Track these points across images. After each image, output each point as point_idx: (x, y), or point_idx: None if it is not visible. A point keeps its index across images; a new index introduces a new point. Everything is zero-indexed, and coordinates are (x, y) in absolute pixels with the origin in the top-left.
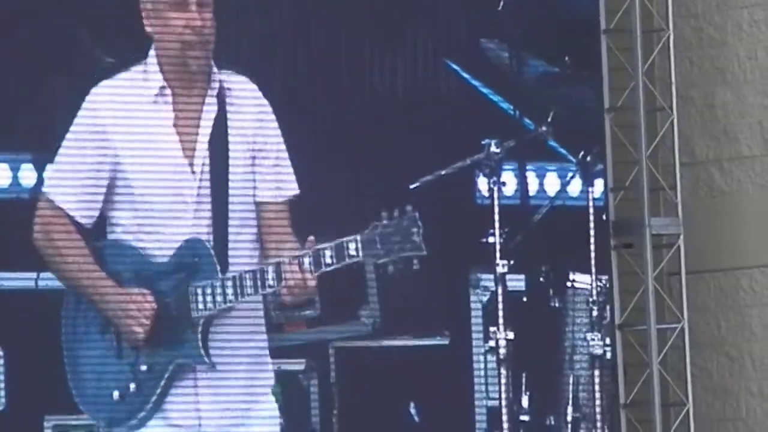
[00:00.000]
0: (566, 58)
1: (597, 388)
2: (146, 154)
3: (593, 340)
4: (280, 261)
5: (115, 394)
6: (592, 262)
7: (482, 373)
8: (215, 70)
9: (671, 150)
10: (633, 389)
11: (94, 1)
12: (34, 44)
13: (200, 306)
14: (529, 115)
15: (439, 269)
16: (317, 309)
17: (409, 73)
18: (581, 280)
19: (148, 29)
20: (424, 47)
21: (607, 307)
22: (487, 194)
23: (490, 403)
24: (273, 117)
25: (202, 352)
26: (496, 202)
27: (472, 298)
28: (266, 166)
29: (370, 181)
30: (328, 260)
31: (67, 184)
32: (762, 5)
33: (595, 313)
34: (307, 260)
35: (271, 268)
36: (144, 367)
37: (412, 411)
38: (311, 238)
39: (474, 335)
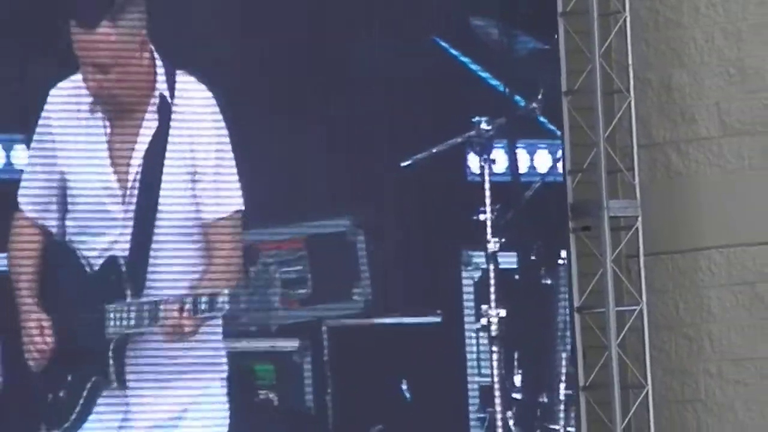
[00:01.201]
0: (555, 36)
1: None
2: (83, 168)
3: None
4: (167, 298)
5: (50, 396)
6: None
7: (474, 351)
8: (158, 78)
9: (629, 132)
10: (592, 372)
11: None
12: (22, 25)
13: (111, 327)
14: (519, 92)
15: (431, 247)
16: (309, 288)
17: (398, 52)
18: None
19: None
20: (413, 25)
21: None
22: (478, 172)
23: (483, 381)
24: (221, 125)
25: (111, 371)
26: (487, 180)
27: (464, 275)
28: (206, 183)
29: (360, 161)
30: (203, 307)
31: (32, 193)
32: None
33: None
34: (187, 305)
35: (162, 303)
36: (69, 377)
37: (405, 389)
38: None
39: (466, 313)
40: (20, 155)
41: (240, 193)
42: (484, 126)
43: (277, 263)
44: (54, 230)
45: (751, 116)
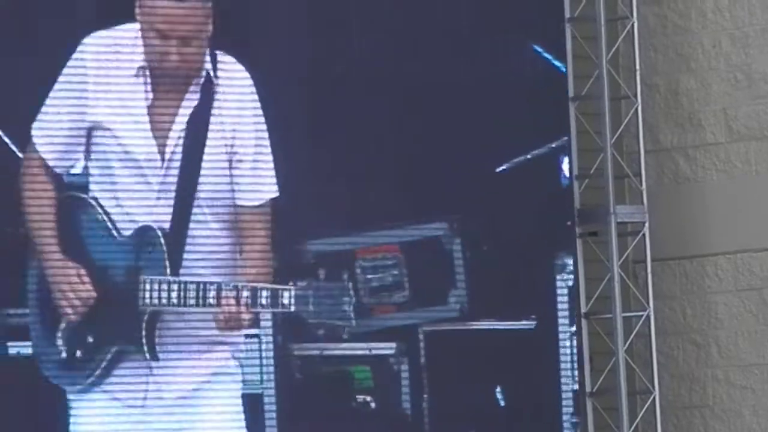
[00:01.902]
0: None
1: None
2: (121, 126)
3: None
4: (222, 284)
5: (63, 354)
6: None
7: (568, 355)
8: (206, 59)
9: (636, 137)
10: (599, 377)
11: None
12: None
13: (146, 300)
14: None
15: (525, 252)
16: (406, 292)
17: (494, 57)
18: None
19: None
20: (511, 32)
21: None
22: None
23: (576, 387)
24: (260, 112)
25: (144, 343)
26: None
27: (558, 282)
28: (244, 170)
29: (455, 167)
30: (263, 302)
31: (50, 132)
32: None
33: None
34: (245, 294)
35: (213, 287)
36: (90, 339)
37: (499, 394)
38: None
39: (560, 318)
40: None
41: (275, 180)
42: None
43: (364, 270)
44: (71, 180)
45: (758, 122)
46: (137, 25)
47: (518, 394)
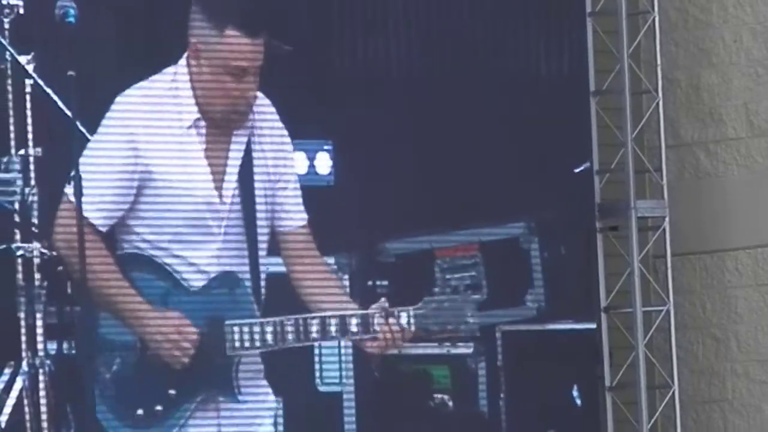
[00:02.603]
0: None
1: None
2: (177, 176)
3: None
4: (367, 313)
5: (140, 411)
6: None
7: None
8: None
9: (657, 132)
10: (619, 372)
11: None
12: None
13: (236, 344)
14: None
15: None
16: (484, 293)
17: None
18: None
19: (193, 39)
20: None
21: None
22: None
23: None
24: (290, 144)
25: (236, 389)
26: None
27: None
28: (285, 197)
29: (534, 167)
30: (376, 327)
31: (91, 191)
32: None
33: None
34: (354, 321)
35: (315, 321)
36: (173, 392)
37: (575, 394)
38: (383, 300)
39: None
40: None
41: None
42: None
43: (443, 270)
44: (124, 239)
45: None
46: (170, 76)
47: (595, 395)
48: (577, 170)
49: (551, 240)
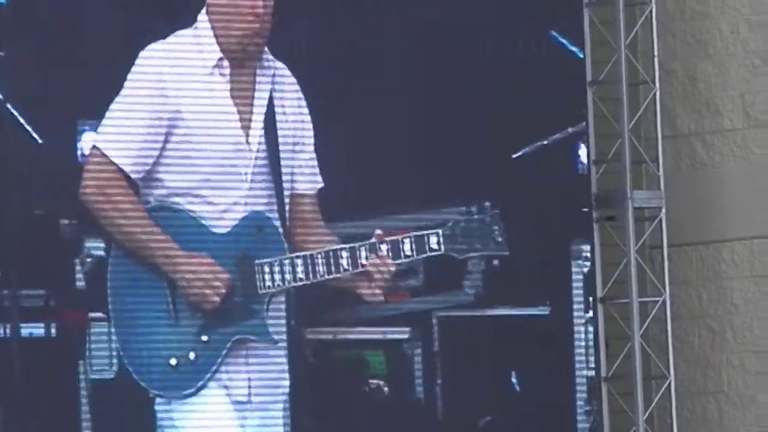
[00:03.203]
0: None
1: None
2: (205, 119)
3: None
4: (354, 246)
5: (172, 360)
6: None
7: (583, 343)
8: (267, 52)
9: (653, 123)
10: (614, 362)
11: None
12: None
13: (267, 283)
14: None
15: (540, 239)
16: (420, 278)
17: (512, 44)
18: None
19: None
20: (529, 18)
21: None
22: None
23: (590, 373)
24: (307, 111)
25: (269, 329)
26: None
27: (573, 268)
28: (303, 159)
29: (473, 153)
30: (408, 251)
31: (120, 138)
32: None
33: None
34: (384, 247)
35: (345, 252)
36: (205, 338)
37: (514, 380)
38: (378, 231)
39: (575, 305)
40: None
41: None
42: None
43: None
44: (152, 192)
45: None
46: (192, 30)
47: (533, 381)
48: (515, 156)
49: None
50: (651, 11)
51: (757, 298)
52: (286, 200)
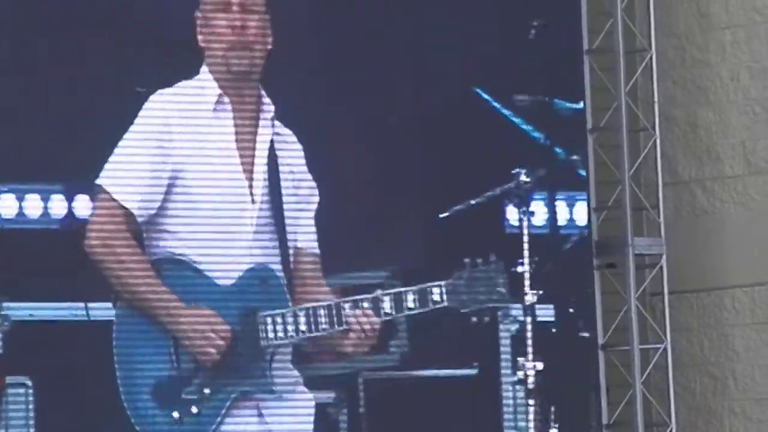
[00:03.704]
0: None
1: None
2: (208, 168)
3: None
4: (357, 299)
5: (175, 414)
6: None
7: (511, 404)
8: (264, 94)
9: (654, 170)
10: (616, 409)
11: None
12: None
13: (270, 335)
14: (559, 145)
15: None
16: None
17: (439, 102)
18: None
19: (201, 43)
20: (455, 76)
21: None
22: (516, 224)
23: None
24: (307, 172)
25: (272, 382)
26: (525, 232)
27: (501, 328)
28: (305, 217)
29: (401, 212)
30: (411, 304)
31: (126, 176)
32: (744, 26)
33: None
34: (387, 303)
35: (347, 305)
36: (207, 391)
37: None
38: (378, 292)
39: (503, 366)
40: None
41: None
42: (523, 178)
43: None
44: (155, 243)
45: None
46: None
47: None
48: (442, 216)
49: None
50: (651, 58)
51: (759, 345)
52: (291, 253)
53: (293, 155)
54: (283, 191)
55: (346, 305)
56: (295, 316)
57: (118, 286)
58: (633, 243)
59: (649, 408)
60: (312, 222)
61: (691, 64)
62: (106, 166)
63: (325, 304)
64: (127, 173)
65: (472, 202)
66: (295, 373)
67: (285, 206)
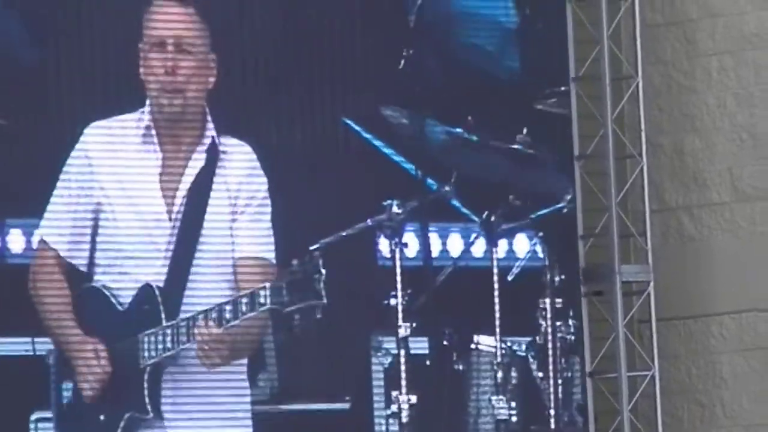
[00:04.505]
0: (468, 117)
1: None
2: (129, 195)
3: (498, 403)
4: (203, 310)
5: None
6: (497, 323)
7: None
8: (209, 125)
9: (641, 197)
10: None
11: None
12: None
13: (146, 354)
14: (432, 175)
15: (341, 332)
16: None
17: (309, 133)
18: (486, 342)
19: (142, 76)
20: (324, 106)
21: (512, 369)
22: (389, 255)
23: None
24: (264, 182)
25: (147, 402)
26: (398, 264)
27: (374, 361)
28: (242, 222)
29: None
30: (243, 308)
31: (60, 225)
32: (731, 53)
33: (500, 376)
34: (228, 313)
35: (201, 315)
36: (102, 417)
37: None
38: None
39: (376, 399)
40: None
41: (272, 247)
42: (395, 209)
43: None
44: (83, 268)
45: (763, 182)
46: (138, 114)
47: None
48: (312, 248)
49: (284, 320)
50: (638, 85)
51: (746, 371)
52: (224, 268)
53: (234, 167)
54: (210, 208)
55: (200, 317)
56: (164, 333)
57: (44, 321)
58: (620, 270)
59: None
60: (254, 228)
61: (677, 91)
62: (47, 211)
63: (185, 317)
64: (61, 222)
65: (344, 233)
66: (204, 385)
67: (207, 223)
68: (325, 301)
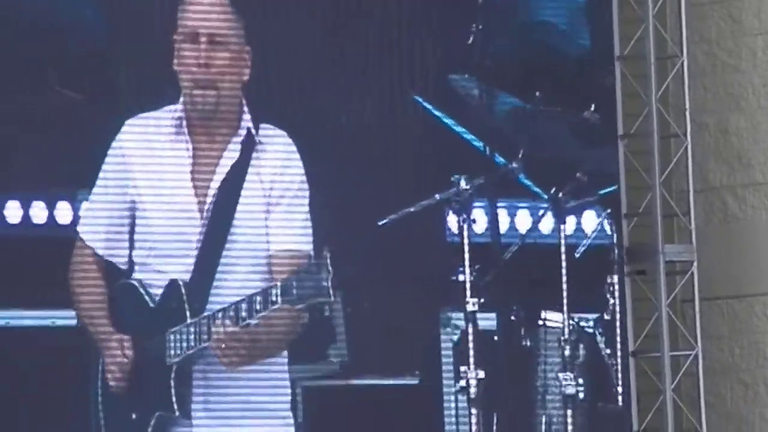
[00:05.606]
0: (537, 93)
1: (570, 428)
2: (161, 192)
3: (566, 379)
4: (221, 308)
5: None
6: (564, 300)
7: (453, 413)
8: (246, 117)
9: (685, 176)
10: (646, 416)
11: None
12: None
13: (172, 352)
14: (500, 152)
15: (409, 307)
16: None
17: (378, 109)
18: (553, 318)
19: (175, 67)
20: (394, 83)
21: (579, 346)
22: (457, 231)
23: None
24: (301, 171)
25: (174, 401)
26: (466, 240)
27: (443, 336)
28: (278, 214)
29: (338, 220)
30: (258, 306)
31: (97, 223)
32: None
33: (567, 353)
34: (244, 311)
35: (220, 313)
36: (134, 416)
37: None
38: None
39: (444, 375)
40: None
41: (310, 238)
42: (463, 185)
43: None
44: (122, 266)
45: None
46: (174, 106)
47: None
48: (381, 223)
49: (354, 294)
50: (683, 64)
51: None
52: (223, 266)
53: (269, 158)
54: (242, 200)
55: (219, 314)
56: (188, 330)
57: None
58: (664, 250)
59: (680, 415)
60: (289, 220)
61: (722, 70)
62: (84, 209)
63: (205, 315)
64: (99, 220)
65: (412, 209)
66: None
67: (239, 216)
68: (332, 299)
